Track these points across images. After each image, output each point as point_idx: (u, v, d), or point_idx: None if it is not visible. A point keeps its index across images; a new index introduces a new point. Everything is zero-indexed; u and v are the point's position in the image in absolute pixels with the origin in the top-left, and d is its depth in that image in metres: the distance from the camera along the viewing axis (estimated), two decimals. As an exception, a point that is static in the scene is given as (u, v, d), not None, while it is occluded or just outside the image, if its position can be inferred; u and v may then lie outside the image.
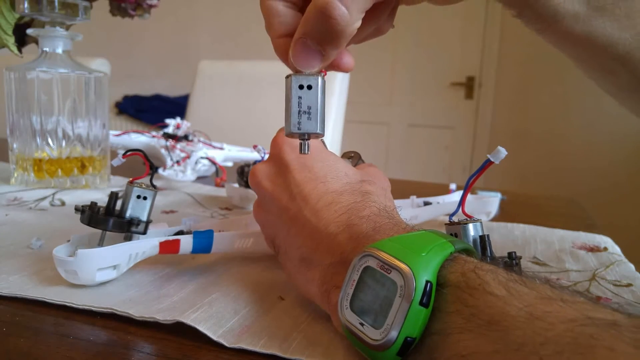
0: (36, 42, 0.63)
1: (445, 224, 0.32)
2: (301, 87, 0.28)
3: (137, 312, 0.28)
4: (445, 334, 0.20)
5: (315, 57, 0.27)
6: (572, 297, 0.19)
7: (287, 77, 0.28)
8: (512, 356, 0.17)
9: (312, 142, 0.32)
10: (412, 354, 0.21)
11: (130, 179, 0.35)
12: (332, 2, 0.25)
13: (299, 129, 0.28)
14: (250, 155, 0.80)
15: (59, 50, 0.61)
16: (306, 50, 0.27)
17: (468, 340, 0.19)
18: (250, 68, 1.36)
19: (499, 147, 0.27)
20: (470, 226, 0.31)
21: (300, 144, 0.29)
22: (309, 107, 0.28)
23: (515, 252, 0.30)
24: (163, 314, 0.27)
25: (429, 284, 0.21)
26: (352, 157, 0.38)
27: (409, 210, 0.48)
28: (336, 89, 1.23)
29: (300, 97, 0.28)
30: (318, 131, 0.28)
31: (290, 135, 0.28)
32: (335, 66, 0.31)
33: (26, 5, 0.56)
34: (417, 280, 0.20)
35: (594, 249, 0.45)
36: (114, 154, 0.48)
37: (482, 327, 0.18)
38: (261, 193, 0.33)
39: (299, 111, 0.28)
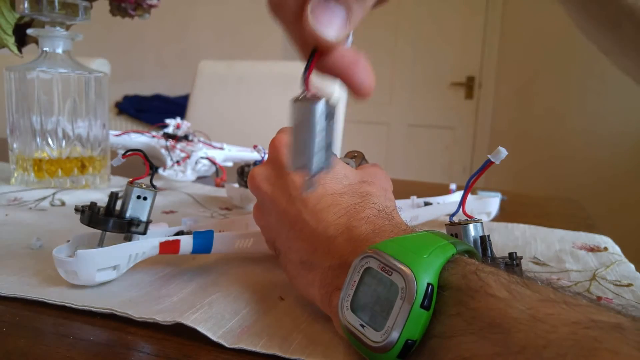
0: (36, 42, 0.63)
1: (446, 224, 0.32)
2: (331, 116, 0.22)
3: (136, 312, 0.28)
4: (446, 336, 0.20)
5: (337, 15, 0.22)
6: (575, 300, 0.18)
7: (296, 100, 0.23)
8: (514, 359, 0.17)
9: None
10: (413, 356, 0.21)
11: (130, 179, 0.35)
12: None
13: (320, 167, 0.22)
14: (250, 155, 0.80)
15: (59, 50, 0.61)
16: (326, 6, 0.22)
17: (469, 343, 0.19)
18: (250, 68, 1.36)
19: (500, 147, 0.27)
20: (471, 226, 0.31)
21: (306, 182, 0.23)
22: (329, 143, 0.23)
23: (515, 253, 0.30)
24: (163, 315, 0.27)
25: (430, 287, 0.21)
26: (356, 157, 0.38)
27: (410, 211, 0.48)
28: (336, 88, 1.22)
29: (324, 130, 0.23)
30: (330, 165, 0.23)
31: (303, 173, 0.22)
32: (354, 88, 0.26)
33: (26, 5, 0.56)
34: (419, 282, 0.20)
35: (594, 249, 0.45)
36: (114, 154, 0.48)
37: (483, 329, 0.18)
38: (260, 196, 0.33)
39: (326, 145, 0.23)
